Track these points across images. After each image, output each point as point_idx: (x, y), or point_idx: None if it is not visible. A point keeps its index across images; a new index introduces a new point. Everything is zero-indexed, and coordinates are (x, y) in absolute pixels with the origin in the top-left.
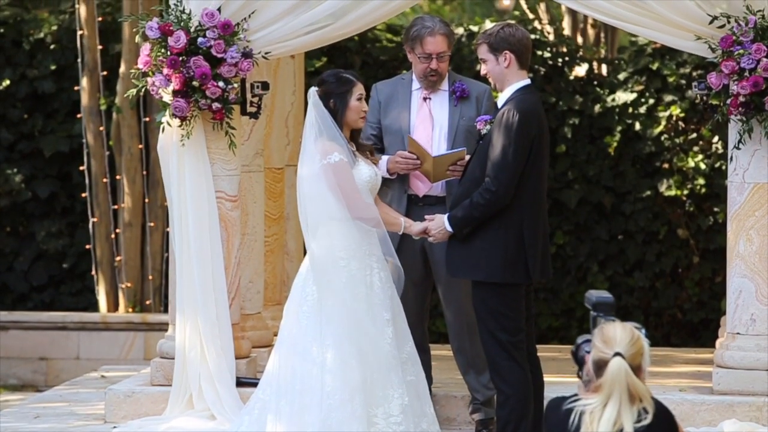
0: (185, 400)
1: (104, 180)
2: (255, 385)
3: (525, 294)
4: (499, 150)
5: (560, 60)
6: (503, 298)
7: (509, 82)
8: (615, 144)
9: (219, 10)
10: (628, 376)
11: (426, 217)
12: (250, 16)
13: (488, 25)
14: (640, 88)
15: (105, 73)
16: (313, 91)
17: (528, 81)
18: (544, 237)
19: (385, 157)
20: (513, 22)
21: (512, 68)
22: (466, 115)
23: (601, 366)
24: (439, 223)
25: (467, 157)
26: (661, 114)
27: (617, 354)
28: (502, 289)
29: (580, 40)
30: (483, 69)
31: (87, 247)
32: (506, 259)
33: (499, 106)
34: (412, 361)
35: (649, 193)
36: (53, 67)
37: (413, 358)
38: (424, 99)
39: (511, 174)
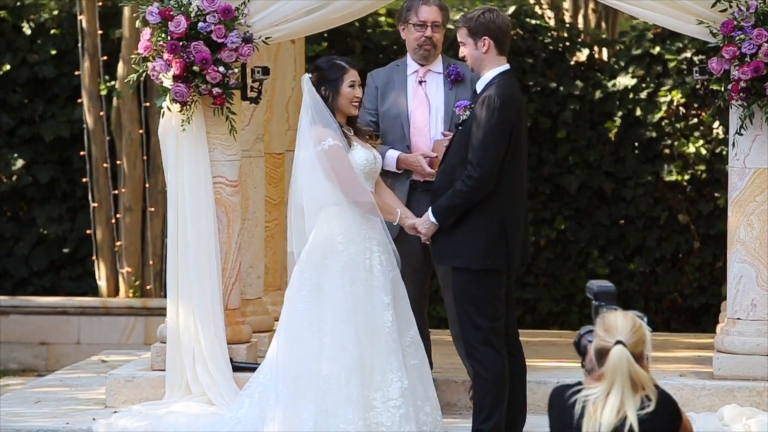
0: (183, 384)
1: (105, 165)
2: (252, 370)
3: (507, 279)
4: (481, 136)
5: (561, 45)
6: (483, 285)
7: (488, 67)
8: (616, 129)
9: None
10: (630, 364)
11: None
12: None
13: None
14: (641, 73)
15: (105, 57)
16: (306, 77)
17: (507, 66)
18: (524, 223)
19: (394, 154)
20: (494, 7)
21: (490, 54)
22: (462, 98)
23: (603, 354)
24: (424, 218)
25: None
26: (662, 99)
27: (619, 342)
28: (482, 276)
29: (581, 25)
30: (461, 51)
31: (87, 232)
32: (487, 246)
33: (479, 91)
34: (416, 345)
35: (649, 178)
36: (54, 52)
37: (417, 342)
38: (420, 83)
39: (493, 160)
